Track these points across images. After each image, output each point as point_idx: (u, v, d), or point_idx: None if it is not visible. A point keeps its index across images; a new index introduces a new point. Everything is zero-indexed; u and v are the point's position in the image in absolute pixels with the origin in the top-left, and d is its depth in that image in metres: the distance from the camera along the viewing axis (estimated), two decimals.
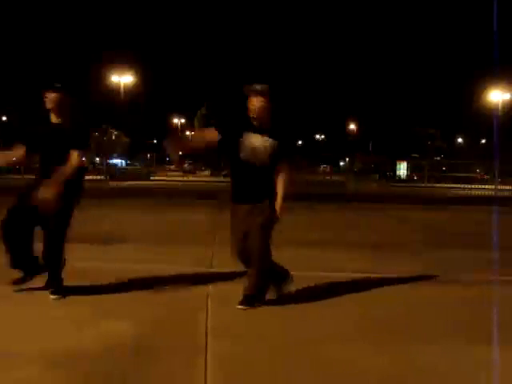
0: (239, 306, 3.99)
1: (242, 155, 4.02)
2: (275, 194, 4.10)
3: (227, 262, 5.88)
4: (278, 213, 4.07)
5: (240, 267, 5.62)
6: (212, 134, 4.13)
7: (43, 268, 4.25)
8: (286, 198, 4.08)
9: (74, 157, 4.10)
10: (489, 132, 56.20)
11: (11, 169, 30.10)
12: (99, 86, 54.86)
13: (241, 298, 4.03)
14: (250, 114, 4.03)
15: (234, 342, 3.34)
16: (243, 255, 4.10)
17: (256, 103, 4.00)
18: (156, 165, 50.91)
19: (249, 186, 4.06)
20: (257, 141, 4.02)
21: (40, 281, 4.38)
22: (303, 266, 5.89)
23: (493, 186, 25.55)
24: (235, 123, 4.14)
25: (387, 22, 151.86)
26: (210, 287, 4.71)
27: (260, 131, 4.03)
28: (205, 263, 5.77)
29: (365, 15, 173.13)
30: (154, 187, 24.27)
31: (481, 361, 3.14)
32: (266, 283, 4.16)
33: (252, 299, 4.04)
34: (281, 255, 6.43)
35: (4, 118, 61.28)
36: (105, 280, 4.77)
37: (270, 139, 4.03)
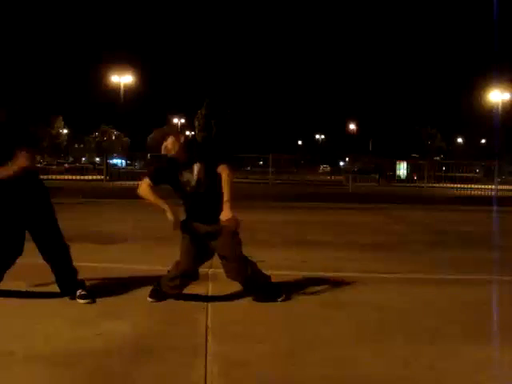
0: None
1: (188, 190, 4.17)
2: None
3: None
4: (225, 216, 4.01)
5: None
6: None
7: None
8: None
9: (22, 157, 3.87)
10: (489, 132, 56.26)
11: None
12: (99, 85, 54.90)
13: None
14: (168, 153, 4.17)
15: (234, 343, 3.34)
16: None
17: (168, 145, 4.13)
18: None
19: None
20: (188, 174, 4.14)
21: (36, 280, 4.39)
22: (303, 266, 5.90)
23: (493, 186, 25.53)
24: (164, 169, 4.28)
25: (387, 23, 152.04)
26: (210, 287, 4.70)
27: (185, 165, 4.14)
28: (205, 263, 5.76)
29: (365, 15, 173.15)
30: None
31: (481, 361, 3.14)
32: None
33: None
34: (281, 255, 6.45)
35: None
36: (105, 280, 4.77)
37: (196, 165, 4.11)
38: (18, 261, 4.26)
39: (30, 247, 6.37)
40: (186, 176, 4.17)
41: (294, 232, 9.03)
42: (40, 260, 4.23)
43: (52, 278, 4.84)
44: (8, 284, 4.55)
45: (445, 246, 7.78)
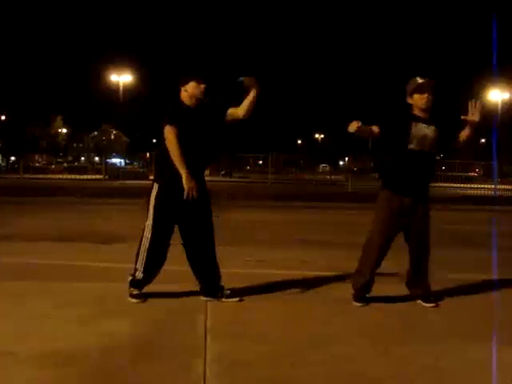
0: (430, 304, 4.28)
1: (411, 145, 4.22)
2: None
3: (226, 261, 5.87)
4: None
5: (239, 267, 5.62)
6: (377, 129, 4.34)
7: None
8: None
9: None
10: (488, 132, 56.21)
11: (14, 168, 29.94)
12: (99, 85, 54.96)
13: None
14: (419, 106, 4.33)
15: (233, 343, 3.34)
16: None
17: (428, 97, 4.34)
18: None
19: (418, 175, 4.32)
20: (426, 129, 4.27)
21: (35, 277, 4.37)
22: (303, 265, 5.90)
23: (492, 186, 25.54)
24: (399, 115, 4.38)
25: (387, 23, 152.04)
26: None
27: (425, 121, 4.29)
28: None
29: (365, 14, 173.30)
30: None
31: (481, 361, 3.14)
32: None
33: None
34: (281, 255, 6.45)
35: (3, 118, 61.28)
36: (104, 280, 4.77)
37: (434, 127, 4.31)
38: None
39: (30, 247, 6.35)
40: (419, 130, 4.25)
41: (293, 232, 9.02)
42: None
43: (51, 276, 4.84)
44: (8, 284, 4.55)
45: (445, 245, 7.76)
